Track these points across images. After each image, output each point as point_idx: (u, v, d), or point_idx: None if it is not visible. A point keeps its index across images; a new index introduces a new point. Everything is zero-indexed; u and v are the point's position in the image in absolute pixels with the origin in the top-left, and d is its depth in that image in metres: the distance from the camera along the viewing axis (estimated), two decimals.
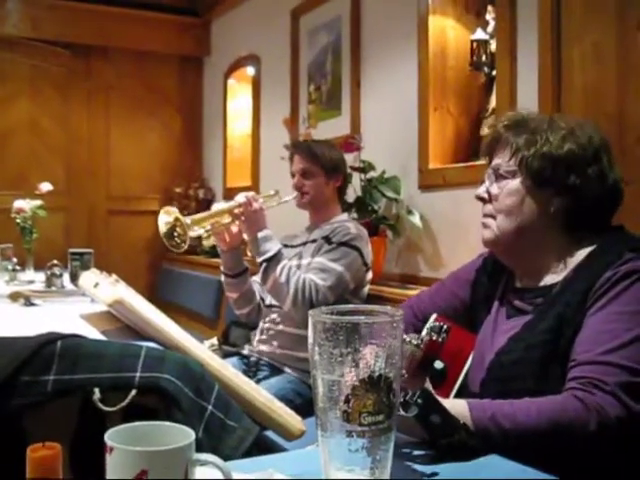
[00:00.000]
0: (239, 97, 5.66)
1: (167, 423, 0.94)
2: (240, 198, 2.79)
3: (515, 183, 1.49)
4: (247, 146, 5.37)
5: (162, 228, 2.72)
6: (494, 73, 3.07)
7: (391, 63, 3.58)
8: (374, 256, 3.02)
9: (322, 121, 4.11)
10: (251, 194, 2.84)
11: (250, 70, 5.32)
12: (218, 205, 2.97)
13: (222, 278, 3.01)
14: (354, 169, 3.38)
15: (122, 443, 0.84)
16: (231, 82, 5.70)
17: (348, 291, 2.85)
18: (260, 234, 2.77)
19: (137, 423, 0.92)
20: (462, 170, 3.11)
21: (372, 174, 3.39)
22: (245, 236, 2.85)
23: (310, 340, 0.89)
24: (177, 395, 1.39)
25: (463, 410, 1.20)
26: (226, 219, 2.83)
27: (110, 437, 0.85)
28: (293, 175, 3.09)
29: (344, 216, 3.10)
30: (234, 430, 1.46)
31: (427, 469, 1.10)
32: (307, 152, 3.05)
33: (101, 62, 5.87)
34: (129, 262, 5.71)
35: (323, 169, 3.02)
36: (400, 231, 3.33)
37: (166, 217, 2.72)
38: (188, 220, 2.69)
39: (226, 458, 1.34)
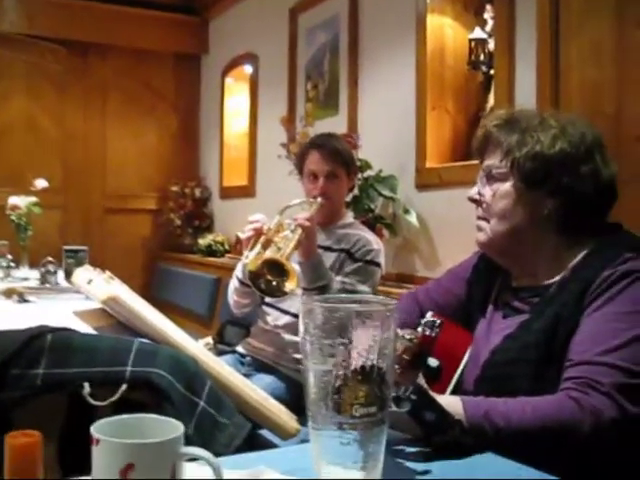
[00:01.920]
0: (236, 95, 5.65)
1: (156, 416, 0.92)
2: (302, 221, 2.57)
3: (507, 186, 1.46)
4: (244, 145, 5.36)
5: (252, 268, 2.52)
6: (492, 72, 3.06)
7: (389, 62, 3.56)
8: None
9: (319, 120, 4.09)
10: (308, 214, 2.64)
11: (247, 68, 5.31)
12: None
13: (234, 284, 2.89)
14: None
15: (109, 435, 0.83)
16: (228, 80, 5.69)
17: None
18: (314, 259, 2.64)
19: (126, 416, 0.91)
20: (459, 169, 3.10)
21: (369, 173, 3.38)
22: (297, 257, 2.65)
23: (301, 329, 0.87)
24: (168, 390, 1.37)
25: (457, 407, 1.19)
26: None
27: (97, 429, 0.84)
28: (311, 175, 2.86)
29: (351, 218, 3.02)
30: (226, 427, 1.44)
31: (420, 466, 1.09)
32: (332, 151, 2.84)
33: (98, 59, 5.85)
34: (124, 260, 5.69)
35: (345, 169, 2.85)
36: (397, 230, 3.32)
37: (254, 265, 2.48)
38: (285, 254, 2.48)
39: (217, 455, 1.32)
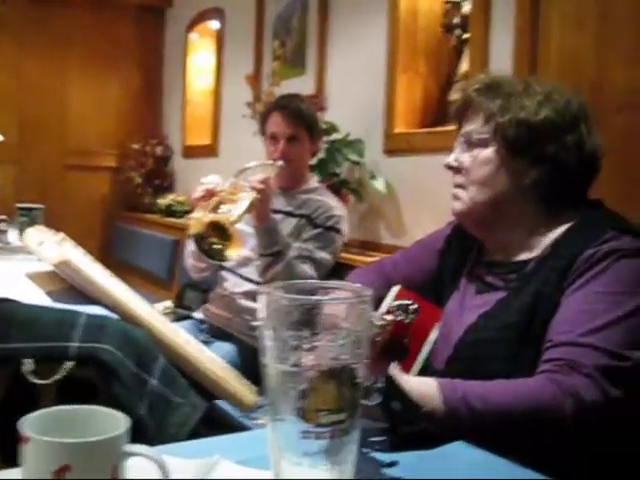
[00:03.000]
0: (201, 52, 5.47)
1: (95, 407, 0.81)
2: (256, 184, 2.47)
3: (489, 152, 1.39)
4: (208, 103, 5.21)
5: (194, 231, 2.38)
6: (466, 36, 2.96)
7: (360, 21, 3.44)
8: None
9: (286, 79, 3.96)
10: (263, 177, 2.53)
11: (213, 24, 5.14)
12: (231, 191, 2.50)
13: (190, 247, 2.74)
14: None
15: (42, 431, 0.73)
16: (193, 36, 5.51)
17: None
18: (268, 224, 2.56)
19: (60, 407, 0.80)
20: (429, 135, 3.01)
21: (336, 136, 3.27)
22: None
23: (261, 323, 0.75)
24: (117, 367, 1.28)
25: (432, 389, 1.11)
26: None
27: (27, 424, 0.73)
28: (272, 137, 2.78)
29: (316, 183, 2.94)
30: (179, 407, 1.36)
31: (387, 457, 1.01)
32: (295, 113, 2.76)
33: (57, 12, 5.60)
34: (83, 219, 5.54)
35: (308, 132, 2.79)
36: (363, 196, 3.23)
37: (197, 223, 2.35)
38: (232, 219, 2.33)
39: (171, 437, 1.23)
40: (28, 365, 1.21)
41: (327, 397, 0.71)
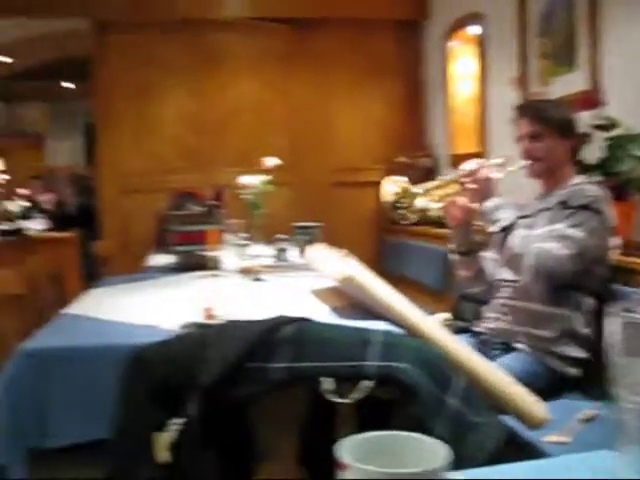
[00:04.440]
0: (461, 59, 5.40)
1: (410, 434, 0.78)
2: (467, 166, 2.60)
3: None
4: (472, 110, 5.12)
5: (388, 198, 2.61)
6: None
7: (637, 11, 3.18)
8: (620, 223, 2.69)
9: (553, 77, 3.78)
10: (479, 161, 2.63)
11: (472, 29, 5.05)
12: (445, 176, 2.80)
13: (451, 255, 2.83)
14: (595, 127, 3.05)
15: (357, 458, 0.70)
16: (452, 44, 5.46)
17: (591, 260, 2.56)
18: (489, 203, 2.56)
19: (374, 433, 0.78)
20: None
21: (617, 132, 3.04)
22: (474, 207, 2.64)
23: (614, 348, 0.65)
24: (414, 386, 1.24)
25: None
26: (453, 190, 2.66)
27: (343, 450, 0.71)
28: (520, 141, 2.75)
29: (581, 178, 2.78)
30: (478, 427, 1.29)
31: None
32: (533, 113, 2.71)
33: (319, 34, 5.86)
34: (353, 234, 5.68)
35: (554, 129, 2.67)
36: None
37: (392, 187, 2.60)
38: (415, 190, 2.56)
39: (469, 459, 1.16)
40: (327, 384, 1.21)
41: None
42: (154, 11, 5.59)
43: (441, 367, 1.33)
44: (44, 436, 1.91)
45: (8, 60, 6.77)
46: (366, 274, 2.11)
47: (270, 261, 3.64)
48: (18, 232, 6.59)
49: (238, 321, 1.34)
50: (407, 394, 1.25)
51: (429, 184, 2.69)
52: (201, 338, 1.29)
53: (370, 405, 1.28)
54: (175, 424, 1.21)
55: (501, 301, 2.75)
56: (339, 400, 1.21)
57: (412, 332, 1.63)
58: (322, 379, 1.21)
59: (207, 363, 1.20)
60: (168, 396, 1.25)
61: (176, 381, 1.24)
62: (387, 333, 1.32)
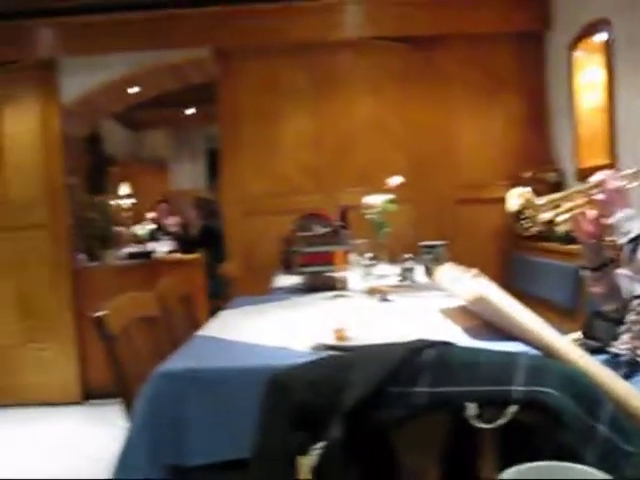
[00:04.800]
0: (587, 68, 5.23)
1: (571, 465, 0.74)
2: (596, 177, 2.50)
3: None
4: (600, 121, 4.94)
5: (511, 209, 2.55)
6: None
7: None
8: None
9: None
10: (608, 172, 2.52)
11: (599, 36, 4.88)
12: (572, 188, 2.70)
13: (582, 271, 2.71)
14: None
15: None
16: (577, 54, 5.29)
17: None
18: (620, 214, 2.45)
19: (535, 464, 0.75)
20: None
21: None
22: (605, 220, 2.53)
23: None
24: (562, 412, 1.19)
25: None
26: (581, 202, 2.56)
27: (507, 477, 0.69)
28: None
29: None
30: (630, 456, 1.22)
31: None
32: None
33: (437, 51, 5.82)
34: (478, 252, 5.58)
35: None
36: None
37: (516, 198, 2.54)
38: (540, 201, 2.49)
39: None
40: (472, 409, 1.17)
41: None
42: (273, 36, 5.71)
43: (588, 391, 1.27)
44: (182, 454, 1.96)
45: (136, 90, 7.06)
46: (499, 293, 2.06)
47: (395, 281, 3.62)
48: (146, 254, 6.85)
49: (378, 344, 1.33)
50: (552, 419, 1.20)
51: (553, 195, 2.60)
52: (342, 361, 1.28)
53: (511, 429, 1.23)
54: (317, 448, 1.20)
55: (638, 318, 2.63)
56: (484, 426, 1.17)
57: (548, 353, 1.57)
58: (466, 404, 1.17)
59: (349, 386, 1.19)
60: (309, 419, 1.24)
61: (317, 404, 1.24)
62: (533, 357, 1.28)
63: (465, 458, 1.00)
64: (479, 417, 1.19)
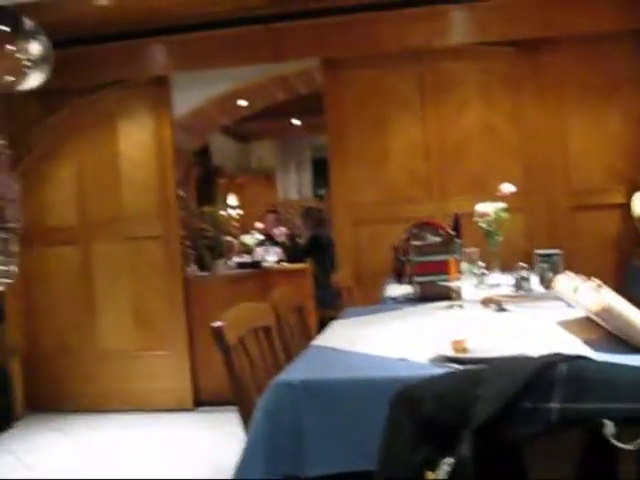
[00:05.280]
0: None
1: None
2: None
3: None
4: None
5: (636, 213, 2.45)
6: None
7: None
8: None
9: None
10: None
11: None
12: None
13: None
14: None
15: None
16: None
17: None
18: None
19: None
20: None
21: None
22: None
23: None
24: None
25: None
26: None
27: None
28: None
29: None
30: None
31: None
32: None
33: (546, 54, 5.65)
34: (593, 260, 5.38)
35: None
36: None
37: None
38: None
39: None
40: (610, 427, 1.12)
41: None
42: (380, 44, 5.69)
43: None
44: (300, 465, 1.96)
45: (244, 103, 7.20)
46: (624, 304, 1.98)
47: (510, 290, 3.54)
48: (256, 264, 6.95)
49: (507, 357, 1.30)
50: None
51: None
52: (470, 374, 1.25)
53: None
54: (446, 463, 1.18)
55: None
56: (622, 446, 1.13)
57: None
58: (604, 421, 1.13)
59: (481, 400, 1.16)
60: (436, 433, 1.22)
61: (445, 418, 1.21)
62: None
63: (602, 479, 0.95)
64: (618, 436, 1.14)
